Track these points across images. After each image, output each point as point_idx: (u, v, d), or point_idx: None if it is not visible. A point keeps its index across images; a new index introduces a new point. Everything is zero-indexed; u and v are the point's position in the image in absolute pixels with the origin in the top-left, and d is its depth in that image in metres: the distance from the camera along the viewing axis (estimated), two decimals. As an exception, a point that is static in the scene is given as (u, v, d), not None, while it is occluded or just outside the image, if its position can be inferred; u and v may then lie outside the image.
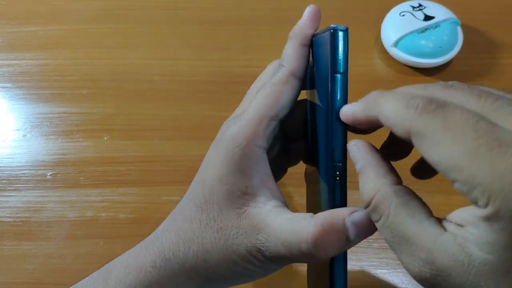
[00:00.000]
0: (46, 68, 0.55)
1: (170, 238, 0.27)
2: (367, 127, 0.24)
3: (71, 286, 0.30)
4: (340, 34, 0.24)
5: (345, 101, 0.24)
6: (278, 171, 0.31)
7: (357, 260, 0.43)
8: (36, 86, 0.54)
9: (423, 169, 0.28)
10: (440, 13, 0.53)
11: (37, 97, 0.53)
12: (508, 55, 0.55)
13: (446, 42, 0.52)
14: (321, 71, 0.26)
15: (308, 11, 0.27)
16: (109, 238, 0.45)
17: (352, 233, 0.23)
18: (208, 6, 0.59)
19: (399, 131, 0.20)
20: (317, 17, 0.27)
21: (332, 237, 0.23)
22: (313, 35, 0.27)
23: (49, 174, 0.48)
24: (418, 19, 0.53)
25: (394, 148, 0.26)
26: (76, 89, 0.53)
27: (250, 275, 0.27)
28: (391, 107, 0.20)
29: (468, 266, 0.18)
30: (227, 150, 0.26)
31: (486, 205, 0.17)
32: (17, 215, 0.46)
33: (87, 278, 0.30)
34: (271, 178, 0.27)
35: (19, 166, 0.49)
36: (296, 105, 0.28)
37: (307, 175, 0.33)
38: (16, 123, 0.51)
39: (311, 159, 0.31)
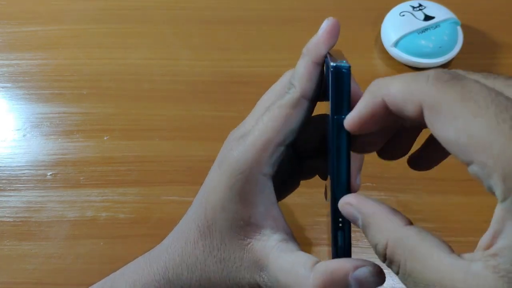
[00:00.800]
0: (46, 68, 0.55)
1: (174, 258, 0.27)
2: (375, 127, 0.21)
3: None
4: (342, 73, 0.22)
5: (349, 143, 0.22)
6: (289, 184, 0.30)
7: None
8: (36, 86, 0.54)
9: (425, 157, 0.25)
10: (440, 13, 0.53)
11: (37, 97, 0.53)
12: (508, 55, 0.55)
13: (446, 42, 0.52)
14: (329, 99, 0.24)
15: (325, 26, 0.24)
16: (109, 238, 0.45)
17: None
18: (208, 6, 0.59)
19: (409, 108, 0.18)
20: (335, 33, 0.24)
21: None
22: (326, 55, 0.24)
23: (49, 174, 0.48)
24: (418, 19, 0.53)
25: (394, 143, 0.24)
26: (76, 89, 0.53)
27: None
28: (398, 84, 0.18)
29: None
30: (230, 175, 0.24)
31: (504, 198, 0.15)
32: (17, 215, 0.46)
33: None
34: (276, 206, 0.25)
35: (19, 166, 0.49)
36: (312, 121, 0.26)
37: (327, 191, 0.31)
38: (16, 123, 0.51)
39: None
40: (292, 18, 0.58)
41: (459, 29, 0.54)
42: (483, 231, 0.17)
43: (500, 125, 0.15)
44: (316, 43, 0.24)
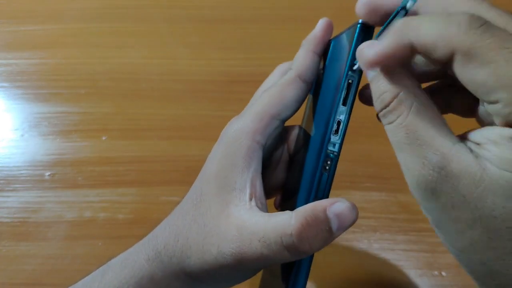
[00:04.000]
0: (44, 67, 0.55)
1: (164, 232, 0.27)
2: (395, 67, 0.21)
3: (70, 285, 0.30)
4: (369, 29, 0.23)
5: (356, 89, 0.24)
6: (273, 166, 0.31)
7: (358, 259, 0.43)
8: (34, 85, 0.53)
9: None
10: (440, 12, 0.53)
11: (35, 97, 0.53)
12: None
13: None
14: (335, 69, 0.26)
15: (320, 23, 0.28)
16: (107, 238, 0.44)
17: (334, 224, 0.23)
18: (206, 5, 0.59)
19: (440, 53, 0.18)
20: (329, 29, 0.28)
21: (315, 229, 0.23)
22: (331, 39, 0.27)
23: (47, 174, 0.48)
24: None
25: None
26: (74, 89, 0.53)
27: (226, 280, 0.26)
28: (429, 27, 0.19)
29: (479, 179, 0.17)
30: (226, 145, 0.26)
31: None
32: (15, 216, 0.46)
33: (89, 275, 0.30)
34: (260, 176, 0.26)
35: (17, 166, 0.48)
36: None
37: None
38: (14, 123, 0.51)
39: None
40: (291, 17, 0.57)
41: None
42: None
43: None
44: (314, 35, 0.28)
